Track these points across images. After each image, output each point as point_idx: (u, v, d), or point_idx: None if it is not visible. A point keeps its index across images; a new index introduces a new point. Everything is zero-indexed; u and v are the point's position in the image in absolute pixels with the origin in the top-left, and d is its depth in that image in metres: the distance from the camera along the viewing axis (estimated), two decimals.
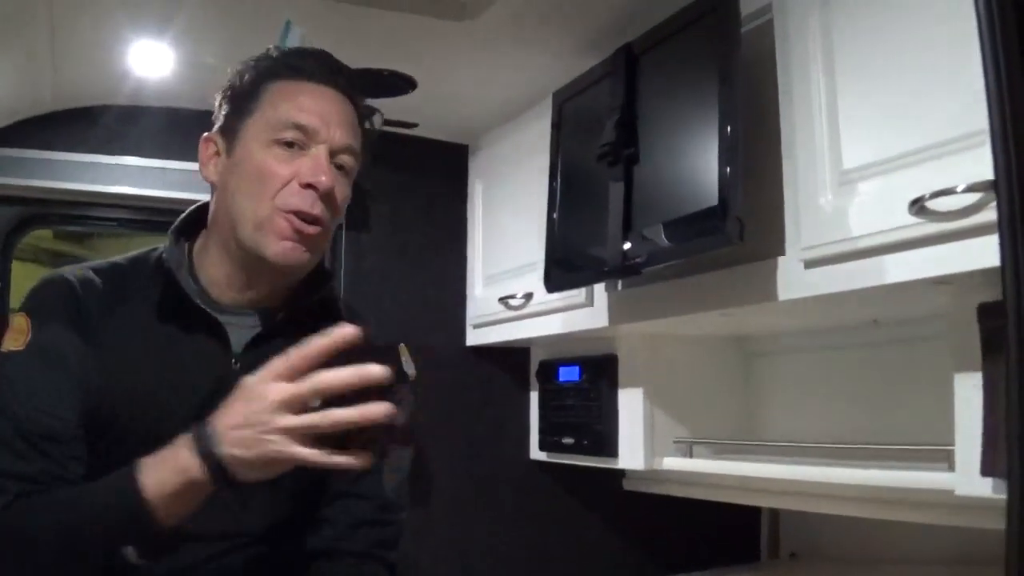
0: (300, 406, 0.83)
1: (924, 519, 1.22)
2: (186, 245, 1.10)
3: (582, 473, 1.84)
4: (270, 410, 0.83)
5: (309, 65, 1.06)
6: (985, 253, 0.87)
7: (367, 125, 1.12)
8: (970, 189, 0.86)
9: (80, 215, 1.79)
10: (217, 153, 1.07)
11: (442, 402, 1.91)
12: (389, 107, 1.63)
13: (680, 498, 1.77)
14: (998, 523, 0.65)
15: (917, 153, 0.97)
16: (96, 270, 1.06)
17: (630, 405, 1.64)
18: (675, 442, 1.62)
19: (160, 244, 1.10)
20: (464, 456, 1.95)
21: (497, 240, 1.91)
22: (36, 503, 0.91)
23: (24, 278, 1.74)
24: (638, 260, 1.27)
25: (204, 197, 1.13)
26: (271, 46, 1.12)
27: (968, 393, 0.99)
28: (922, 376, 1.33)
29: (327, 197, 1.03)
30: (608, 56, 1.40)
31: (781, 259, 1.15)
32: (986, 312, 0.96)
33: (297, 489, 1.09)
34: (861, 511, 1.32)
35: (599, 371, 1.72)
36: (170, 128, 1.75)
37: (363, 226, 1.90)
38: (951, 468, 1.04)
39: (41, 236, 2.96)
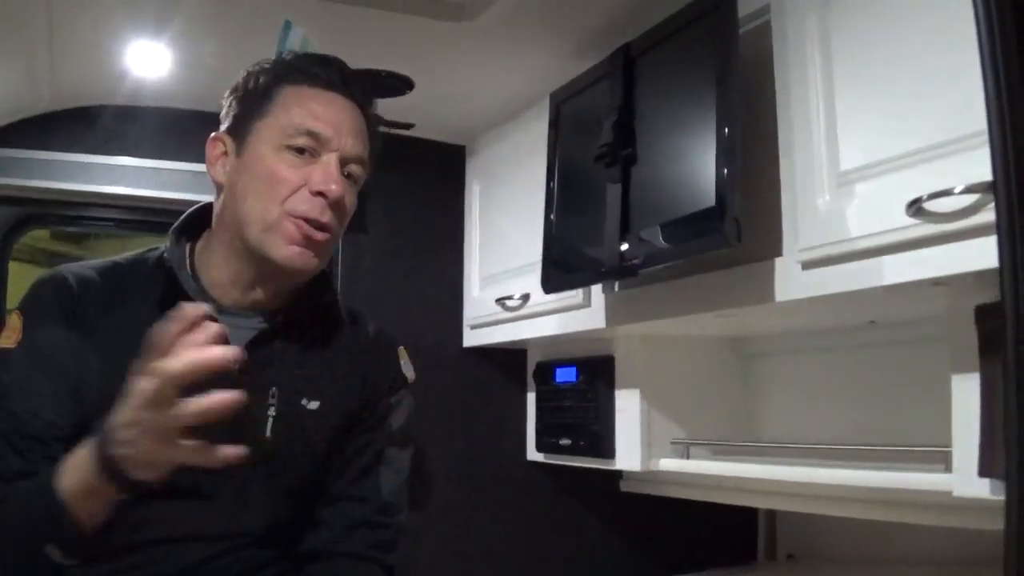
0: (166, 400, 0.82)
1: (922, 520, 1.22)
2: (187, 245, 1.10)
3: (579, 474, 1.84)
4: (142, 407, 0.82)
5: (325, 73, 1.07)
6: (983, 254, 0.86)
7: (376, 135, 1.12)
8: (968, 190, 0.86)
9: (77, 215, 1.79)
10: (225, 153, 1.07)
11: (440, 403, 1.91)
12: (387, 108, 1.63)
13: (677, 499, 1.77)
14: (996, 524, 0.65)
15: (915, 154, 0.97)
16: (95, 269, 1.06)
17: (627, 406, 1.64)
18: (672, 443, 1.62)
19: (159, 244, 1.10)
20: (462, 457, 1.94)
21: (494, 241, 1.90)
22: None
23: (21, 278, 1.73)
24: (635, 261, 1.27)
25: (202, 197, 1.12)
26: (283, 50, 1.12)
27: (966, 394, 0.99)
28: (920, 377, 1.33)
29: (336, 205, 1.03)
30: (606, 57, 1.40)
31: (778, 260, 1.15)
32: (984, 313, 0.96)
33: (296, 490, 1.09)
34: (858, 512, 1.31)
35: (596, 372, 1.72)
36: (168, 128, 1.75)
37: (360, 227, 1.90)
38: (949, 469, 1.03)
39: (38, 236, 2.95)
